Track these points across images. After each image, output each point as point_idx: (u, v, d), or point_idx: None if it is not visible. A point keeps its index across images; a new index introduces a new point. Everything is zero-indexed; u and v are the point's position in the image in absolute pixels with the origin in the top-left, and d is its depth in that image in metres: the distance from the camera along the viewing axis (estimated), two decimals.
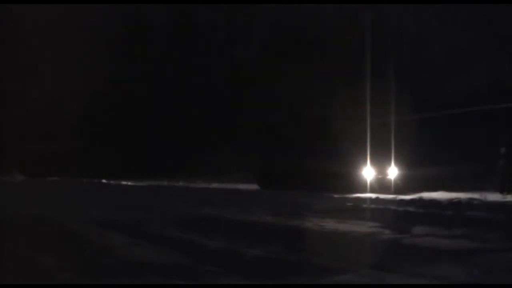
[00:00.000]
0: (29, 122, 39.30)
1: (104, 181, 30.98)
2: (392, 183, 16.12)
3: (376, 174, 16.29)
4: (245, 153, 27.33)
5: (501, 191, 14.10)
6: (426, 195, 13.29)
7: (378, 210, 10.03)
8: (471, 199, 11.25)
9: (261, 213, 9.97)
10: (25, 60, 35.63)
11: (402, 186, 15.69)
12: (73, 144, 39.76)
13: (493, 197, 12.44)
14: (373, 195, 13.83)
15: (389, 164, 16.26)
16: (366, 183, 16.14)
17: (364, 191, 15.55)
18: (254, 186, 20.16)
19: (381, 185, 16.02)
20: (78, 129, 40.07)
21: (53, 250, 6.66)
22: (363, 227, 7.47)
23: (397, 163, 16.11)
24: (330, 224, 7.91)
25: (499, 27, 20.44)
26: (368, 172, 16.29)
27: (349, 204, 11.53)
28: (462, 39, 20.87)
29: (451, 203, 10.55)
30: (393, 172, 16.26)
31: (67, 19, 34.99)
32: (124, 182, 29.02)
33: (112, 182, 30.14)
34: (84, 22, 34.65)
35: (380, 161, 16.22)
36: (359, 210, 10.24)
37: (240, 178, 23.81)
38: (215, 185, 22.92)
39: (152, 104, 38.81)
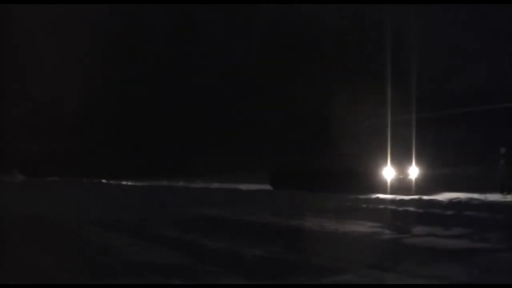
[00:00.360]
0: (29, 122, 39.38)
1: (104, 181, 30.92)
2: (413, 183, 15.63)
3: (396, 174, 15.81)
4: (245, 153, 27.34)
5: (501, 191, 14.06)
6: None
7: (381, 210, 10.00)
8: (471, 199, 11.23)
9: (262, 213, 9.96)
10: (25, 60, 35.65)
11: (423, 186, 15.24)
12: (73, 144, 39.85)
13: (493, 197, 12.42)
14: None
15: (409, 164, 15.73)
16: (386, 183, 15.70)
17: (384, 191, 15.16)
18: (254, 186, 20.07)
19: (401, 185, 15.56)
20: (78, 129, 40.13)
21: (53, 250, 6.66)
22: (364, 227, 7.48)
23: (417, 163, 15.65)
24: (331, 224, 7.91)
25: (499, 27, 20.46)
26: (388, 172, 15.82)
27: (353, 204, 11.47)
28: (462, 39, 20.89)
29: (451, 203, 10.54)
30: (414, 172, 15.74)
31: (67, 19, 35.04)
32: (124, 182, 28.96)
33: (112, 182, 30.07)
34: (84, 22, 34.66)
35: (398, 161, 15.78)
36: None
37: (240, 178, 23.75)
38: (215, 185, 22.86)
39: (152, 104, 38.85)
